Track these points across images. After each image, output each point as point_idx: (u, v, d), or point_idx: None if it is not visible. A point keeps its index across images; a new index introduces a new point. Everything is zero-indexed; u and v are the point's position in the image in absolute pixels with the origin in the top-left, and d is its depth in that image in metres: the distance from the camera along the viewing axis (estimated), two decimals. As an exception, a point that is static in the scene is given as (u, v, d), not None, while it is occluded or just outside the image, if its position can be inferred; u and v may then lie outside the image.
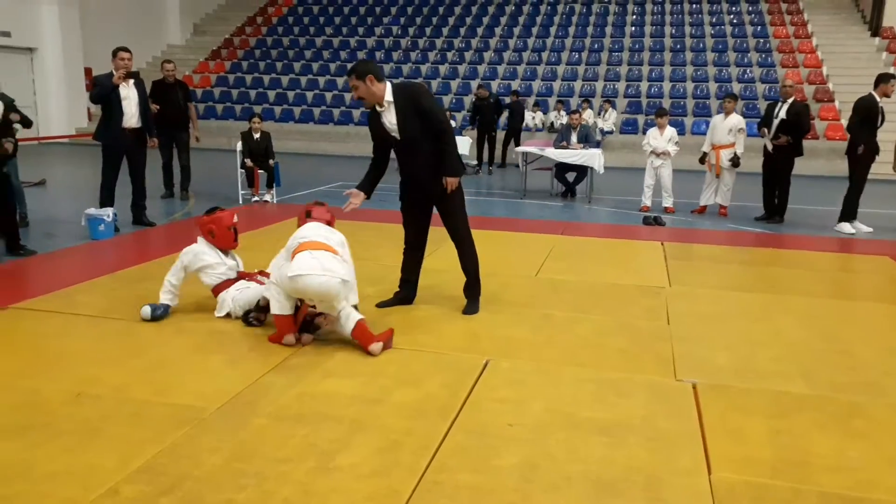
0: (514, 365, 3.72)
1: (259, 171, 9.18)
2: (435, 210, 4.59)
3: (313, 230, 3.94)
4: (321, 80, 20.22)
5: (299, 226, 4.07)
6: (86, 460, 2.65)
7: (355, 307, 3.90)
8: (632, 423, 3.07)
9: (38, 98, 18.02)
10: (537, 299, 4.99)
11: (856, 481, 2.65)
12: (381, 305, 4.63)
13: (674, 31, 20.72)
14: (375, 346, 3.77)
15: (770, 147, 8.67)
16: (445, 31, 22.20)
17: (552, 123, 16.84)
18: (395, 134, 4.32)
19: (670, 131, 9.40)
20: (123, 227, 7.11)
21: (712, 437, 2.95)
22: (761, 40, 19.57)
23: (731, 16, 21.03)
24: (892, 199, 10.93)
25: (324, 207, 4.19)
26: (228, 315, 4.31)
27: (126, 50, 7.08)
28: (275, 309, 3.87)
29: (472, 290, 4.66)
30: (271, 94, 19.91)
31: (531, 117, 17.08)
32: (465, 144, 13.33)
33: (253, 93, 20.02)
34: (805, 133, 8.74)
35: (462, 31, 22.10)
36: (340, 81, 19.77)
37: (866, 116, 8.12)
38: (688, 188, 10.25)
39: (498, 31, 21.90)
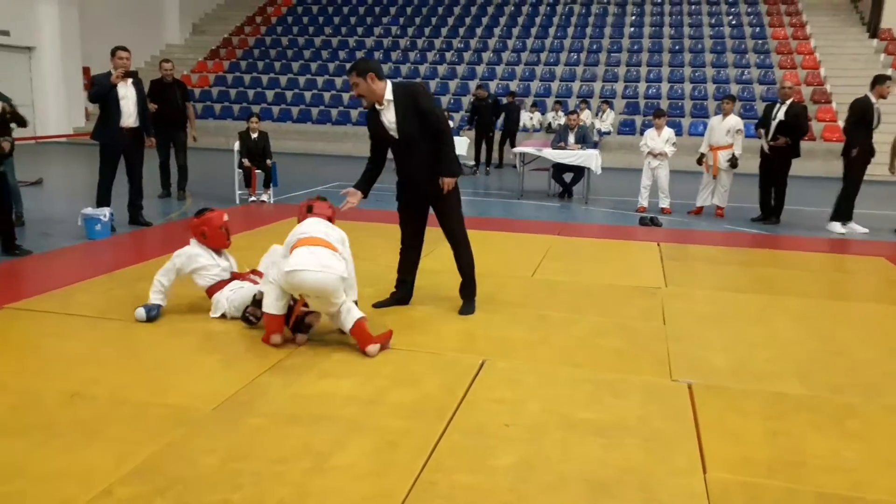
0: (511, 365, 3.72)
1: (256, 170, 9.17)
2: (431, 210, 4.59)
3: (313, 226, 3.92)
4: (319, 80, 20.21)
5: (300, 221, 4.04)
6: (82, 460, 2.64)
7: (355, 303, 3.88)
8: (627, 424, 3.08)
9: (35, 97, 18.00)
10: (534, 300, 4.99)
11: (852, 482, 2.66)
12: (377, 305, 4.63)
13: (672, 31, 20.74)
14: (373, 348, 3.76)
15: (766, 148, 8.68)
16: (444, 31, 22.21)
17: (549, 124, 16.86)
18: (394, 133, 4.32)
19: (668, 132, 9.42)
20: (120, 227, 7.11)
21: (708, 438, 2.95)
22: (759, 41, 19.60)
23: (730, 17, 21.06)
24: (888, 201, 10.95)
25: (325, 203, 4.18)
26: (223, 316, 4.31)
27: (124, 49, 7.07)
28: (266, 305, 3.84)
29: (468, 290, 4.66)
30: (269, 94, 19.91)
31: (529, 118, 17.10)
32: (462, 145, 13.34)
33: (251, 92, 20.02)
34: (803, 135, 8.76)
35: (460, 31, 22.11)
36: (339, 81, 19.78)
37: (861, 118, 8.14)
38: (684, 189, 10.27)
39: (496, 31, 21.92)
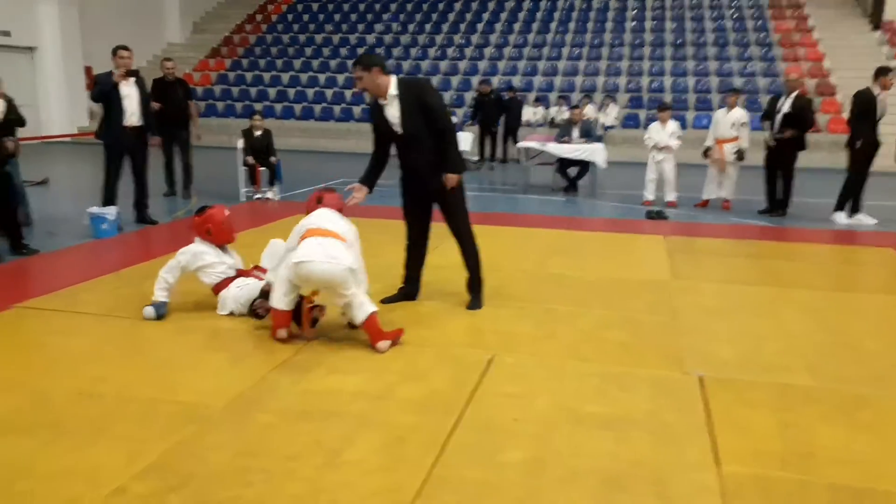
0: (519, 360, 3.72)
1: (261, 168, 9.18)
2: (436, 207, 4.58)
3: (322, 217, 3.92)
4: (322, 77, 20.18)
5: (308, 212, 4.03)
6: (90, 459, 2.65)
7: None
8: (637, 418, 3.07)
9: (38, 97, 18.01)
10: (540, 294, 4.98)
11: (863, 473, 2.65)
12: (385, 301, 4.62)
13: (675, 25, 20.65)
14: (383, 344, 3.76)
15: (771, 141, 8.64)
16: (445, 27, 22.15)
17: (553, 119, 16.81)
18: (397, 128, 4.30)
19: (672, 125, 9.37)
20: (126, 226, 7.11)
21: (720, 431, 2.95)
22: (762, 34, 19.51)
23: (733, 10, 20.96)
24: (895, 192, 10.90)
25: (335, 194, 4.17)
26: (231, 313, 4.31)
27: (126, 48, 7.07)
28: (274, 300, 3.84)
29: (475, 285, 4.65)
30: (272, 92, 19.88)
31: (532, 113, 17.06)
32: (467, 140, 13.32)
33: (253, 90, 19.99)
34: (809, 127, 8.72)
35: (462, 26, 22.05)
36: (341, 78, 19.74)
37: (864, 110, 8.10)
38: (690, 182, 10.23)
39: (498, 26, 21.85)
